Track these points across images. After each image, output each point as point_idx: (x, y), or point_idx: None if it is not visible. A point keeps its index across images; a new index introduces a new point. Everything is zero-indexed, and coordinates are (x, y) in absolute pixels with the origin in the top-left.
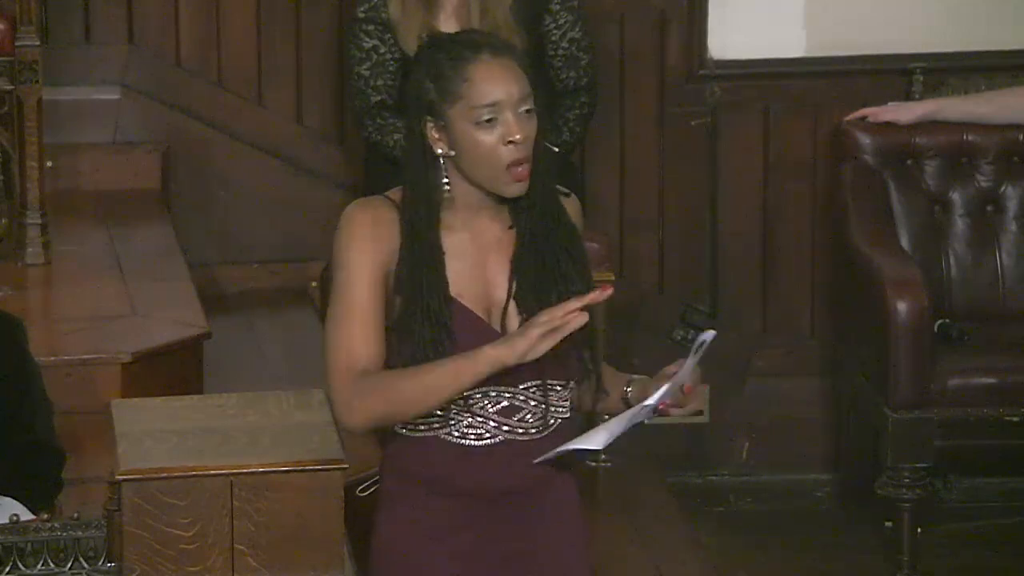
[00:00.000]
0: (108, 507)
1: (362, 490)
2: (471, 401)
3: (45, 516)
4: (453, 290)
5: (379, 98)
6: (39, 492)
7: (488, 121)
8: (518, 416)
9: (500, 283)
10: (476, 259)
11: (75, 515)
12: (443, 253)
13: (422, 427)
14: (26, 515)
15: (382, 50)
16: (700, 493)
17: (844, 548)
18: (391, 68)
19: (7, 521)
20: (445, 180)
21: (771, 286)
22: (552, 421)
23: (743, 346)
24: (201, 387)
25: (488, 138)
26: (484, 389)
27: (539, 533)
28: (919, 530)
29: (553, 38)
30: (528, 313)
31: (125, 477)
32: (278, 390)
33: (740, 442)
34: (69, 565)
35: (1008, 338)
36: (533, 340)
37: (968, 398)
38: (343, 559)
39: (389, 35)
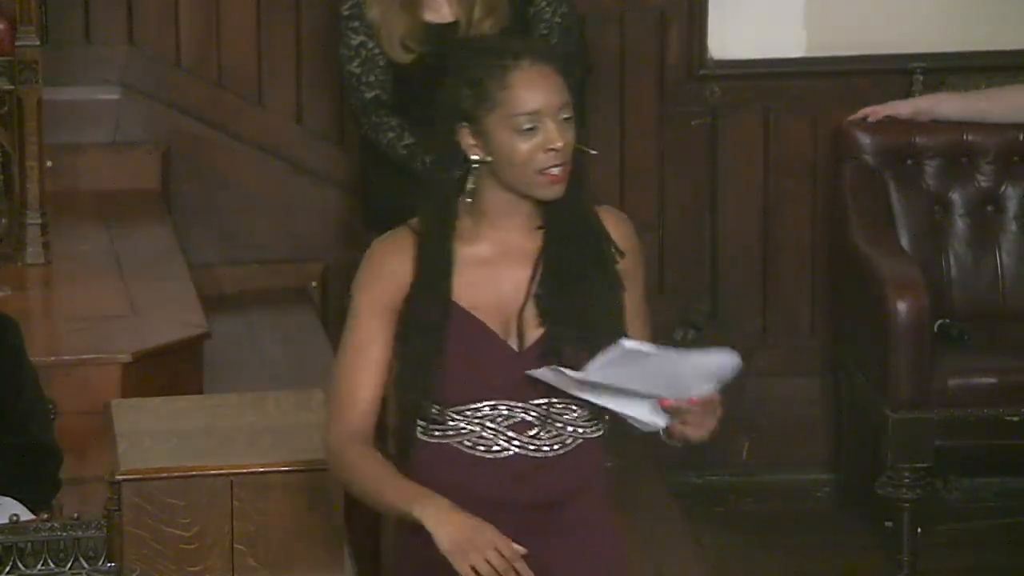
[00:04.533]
0: (108, 507)
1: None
2: (481, 413)
3: (45, 516)
4: (468, 303)
5: (373, 94)
6: (36, 492)
7: (529, 129)
8: (531, 432)
9: (517, 293)
10: (495, 270)
11: (75, 515)
12: (451, 265)
13: (436, 433)
14: (26, 515)
15: (370, 45)
16: (700, 493)
17: (844, 548)
18: (381, 63)
19: (7, 521)
20: (472, 187)
21: (771, 286)
22: (570, 441)
23: (743, 346)
24: (201, 387)
25: (527, 145)
26: (495, 402)
27: (561, 548)
28: (919, 530)
29: (545, 16)
30: (546, 318)
31: (125, 477)
32: (278, 390)
33: (740, 442)
34: (69, 565)
35: (1008, 338)
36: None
37: (968, 398)
38: (343, 559)
39: (374, 31)
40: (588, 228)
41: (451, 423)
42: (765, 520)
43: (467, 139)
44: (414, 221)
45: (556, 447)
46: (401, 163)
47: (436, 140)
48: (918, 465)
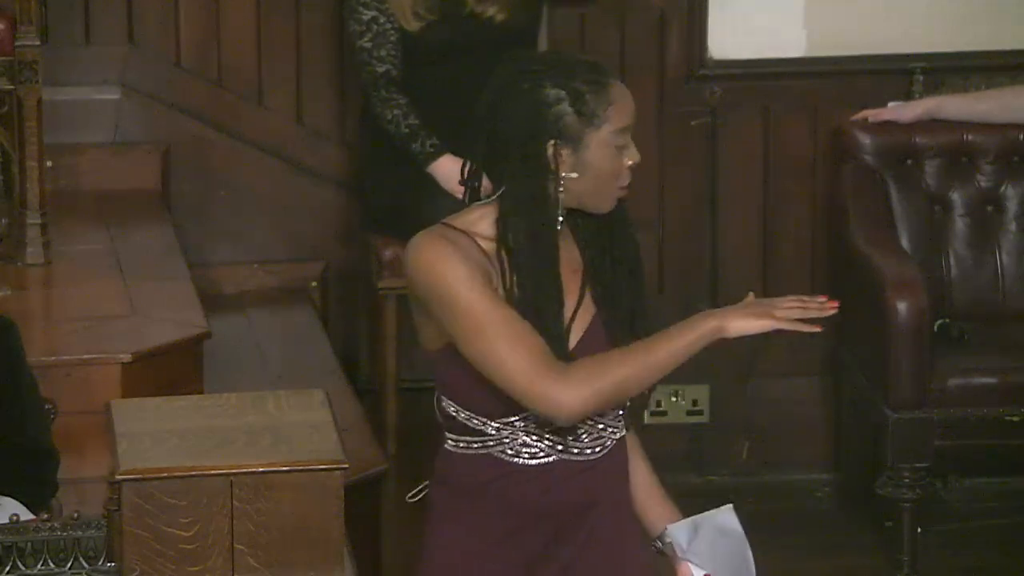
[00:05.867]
0: (108, 507)
1: (411, 496)
2: (525, 419)
3: (45, 516)
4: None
5: (384, 68)
6: (32, 495)
7: (622, 146)
8: (572, 435)
9: (567, 301)
10: None
11: (75, 515)
12: (561, 279)
13: (476, 444)
14: (26, 515)
15: (381, 20)
16: (700, 493)
17: (844, 548)
18: (392, 38)
19: (7, 521)
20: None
21: (771, 286)
22: (609, 443)
23: (743, 346)
24: (201, 387)
25: (618, 161)
26: None
27: (597, 552)
28: (919, 530)
29: None
30: (588, 328)
31: (125, 477)
32: (278, 390)
33: (740, 442)
34: (69, 565)
35: (1008, 338)
36: (761, 316)
37: (968, 398)
38: (343, 559)
39: (386, 5)
40: (626, 237)
41: (493, 433)
42: (765, 520)
43: (560, 156)
44: (452, 219)
45: (598, 449)
46: (401, 141)
47: (519, 157)
48: (918, 465)
